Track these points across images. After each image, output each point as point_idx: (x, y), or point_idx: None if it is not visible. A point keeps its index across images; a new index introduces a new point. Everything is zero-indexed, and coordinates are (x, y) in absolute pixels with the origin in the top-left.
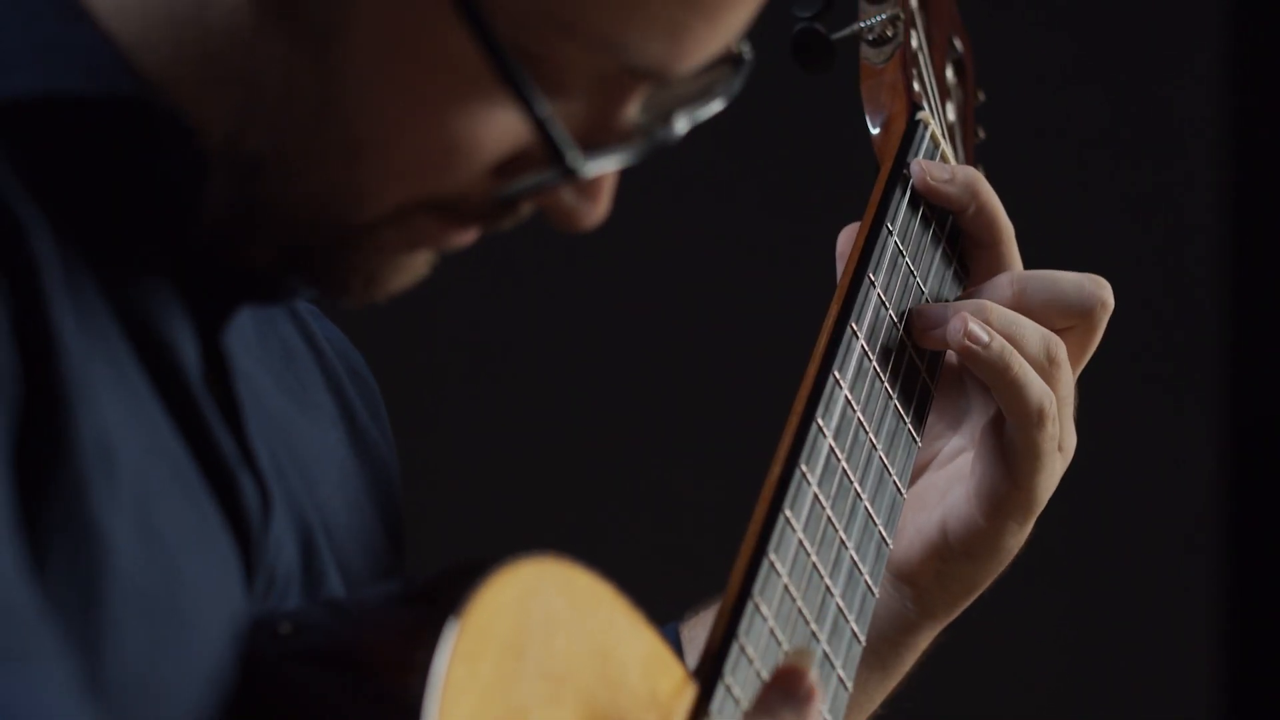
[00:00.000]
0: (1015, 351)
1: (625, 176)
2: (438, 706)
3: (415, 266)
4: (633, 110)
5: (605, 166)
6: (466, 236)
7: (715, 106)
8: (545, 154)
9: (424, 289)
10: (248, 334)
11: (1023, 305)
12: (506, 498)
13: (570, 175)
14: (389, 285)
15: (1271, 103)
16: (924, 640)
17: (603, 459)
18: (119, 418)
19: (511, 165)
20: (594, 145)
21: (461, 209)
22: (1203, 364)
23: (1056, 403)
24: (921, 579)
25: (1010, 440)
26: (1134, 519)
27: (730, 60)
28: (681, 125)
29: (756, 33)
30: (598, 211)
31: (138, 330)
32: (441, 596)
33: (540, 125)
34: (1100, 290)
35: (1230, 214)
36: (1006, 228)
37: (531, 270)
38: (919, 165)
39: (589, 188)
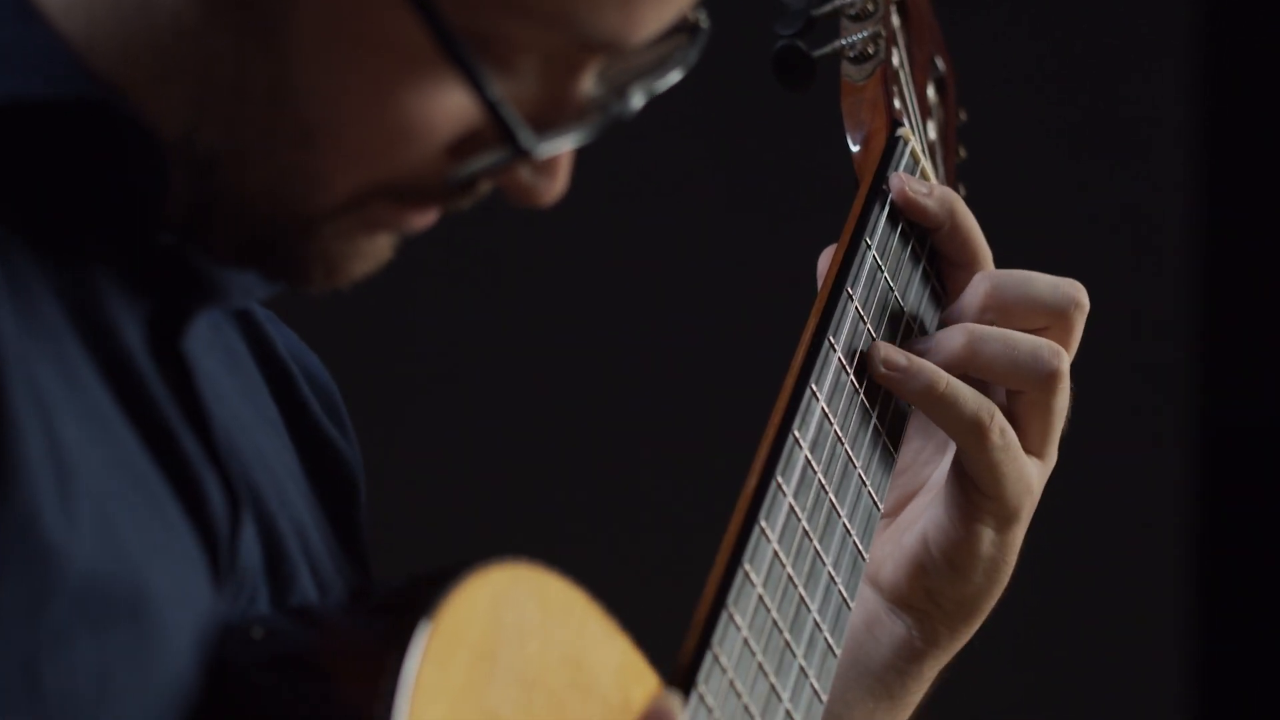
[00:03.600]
0: (938, 371)
1: (608, 189)
2: (408, 708)
3: (377, 251)
4: (587, 84)
5: (559, 147)
6: (426, 218)
7: (673, 77)
8: (497, 135)
9: (406, 296)
10: (205, 337)
11: (996, 302)
12: (481, 504)
13: (523, 156)
14: (351, 271)
15: (1241, 109)
16: (930, 670)
17: (579, 469)
18: (77, 430)
19: (466, 144)
20: (548, 122)
21: (418, 191)
22: (1174, 368)
23: (1059, 409)
24: (915, 600)
25: (962, 454)
26: (1105, 523)
27: (687, 29)
28: (638, 99)
29: (738, 51)
30: (556, 187)
31: (95, 337)
32: (414, 602)
33: (491, 108)
34: (1075, 291)
35: (1202, 220)
36: (983, 250)
37: (513, 280)
38: (898, 178)
39: (546, 164)
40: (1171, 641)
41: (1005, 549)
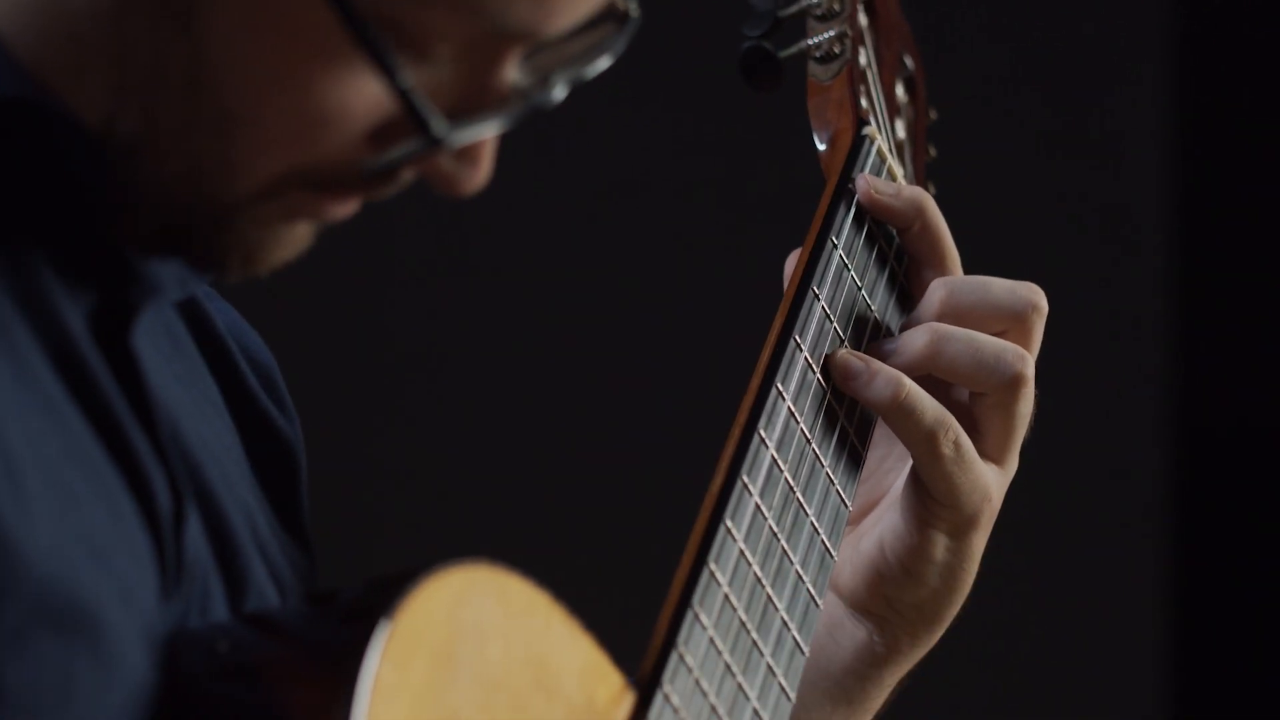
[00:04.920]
0: (900, 379)
1: (576, 190)
2: (367, 709)
3: (295, 240)
4: (511, 73)
5: (472, 135)
6: (346, 208)
7: (599, 66)
8: (411, 123)
9: (381, 290)
10: (147, 324)
11: (952, 308)
12: (445, 505)
13: (437, 145)
14: (269, 260)
15: (1217, 111)
16: (891, 676)
17: (543, 469)
18: (27, 425)
19: (386, 132)
20: (468, 111)
21: (337, 179)
22: (1149, 369)
23: (1028, 417)
24: (873, 605)
25: (916, 462)
26: (1081, 526)
27: (616, 17)
28: (560, 89)
29: (705, 52)
30: (478, 177)
31: (44, 329)
32: (373, 605)
33: (402, 95)
34: (1032, 295)
35: (1177, 221)
36: (950, 251)
37: (481, 281)
38: (864, 179)
39: (467, 153)
40: (1147, 644)
41: (962, 556)
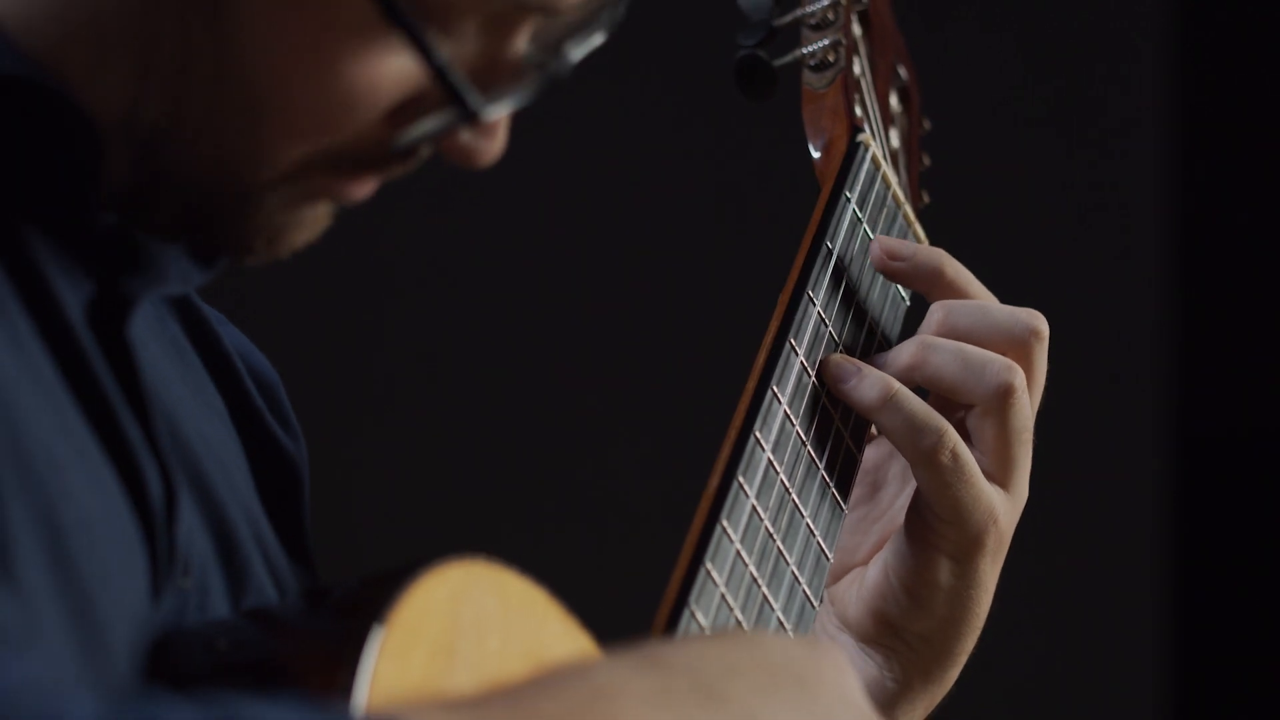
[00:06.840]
0: (890, 383)
1: (576, 194)
2: (365, 702)
3: (316, 221)
4: (521, 44)
5: (505, 108)
6: (365, 187)
7: (602, 33)
8: (443, 98)
9: (376, 299)
10: (149, 326)
11: (950, 328)
12: (446, 504)
13: (472, 119)
14: (292, 241)
15: (1217, 116)
16: (905, 715)
17: (541, 468)
18: (22, 405)
19: (406, 109)
20: (485, 83)
21: (359, 158)
22: (1150, 378)
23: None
24: (881, 635)
25: (916, 476)
26: (1081, 533)
27: None
28: (575, 55)
29: (700, 61)
30: (495, 148)
31: (40, 313)
32: (372, 599)
33: (439, 72)
34: (1032, 320)
35: (1177, 229)
36: (979, 298)
37: (479, 283)
38: (878, 243)
39: (486, 126)
40: (1147, 649)
41: (968, 583)
